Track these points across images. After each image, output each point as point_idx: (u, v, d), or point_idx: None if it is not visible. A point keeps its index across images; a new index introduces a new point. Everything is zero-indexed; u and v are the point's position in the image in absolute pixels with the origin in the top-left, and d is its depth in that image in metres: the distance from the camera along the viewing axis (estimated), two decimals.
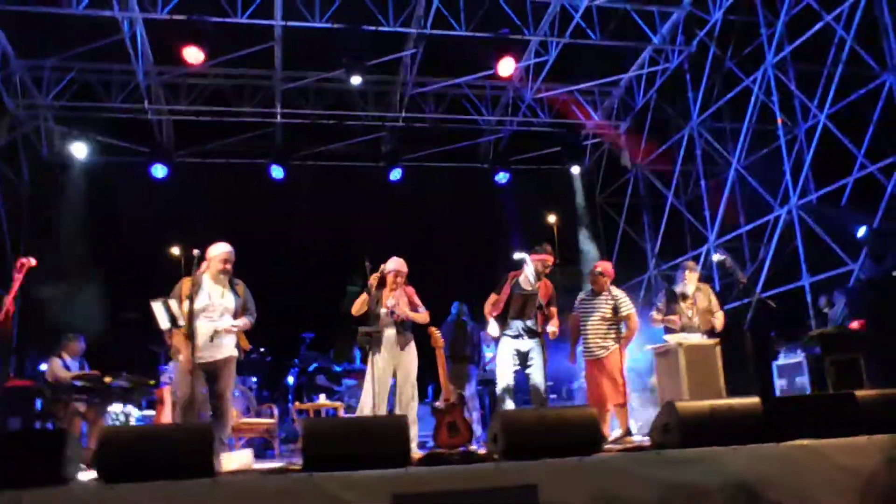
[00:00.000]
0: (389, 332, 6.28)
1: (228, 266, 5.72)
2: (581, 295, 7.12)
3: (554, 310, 6.56)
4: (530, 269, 6.40)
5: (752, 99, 10.29)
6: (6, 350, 7.83)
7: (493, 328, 6.57)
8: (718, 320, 6.99)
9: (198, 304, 5.50)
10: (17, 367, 9.44)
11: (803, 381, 8.34)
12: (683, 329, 6.85)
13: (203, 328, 5.52)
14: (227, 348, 5.68)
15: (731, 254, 9.91)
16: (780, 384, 8.74)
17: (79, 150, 11.32)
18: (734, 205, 11.04)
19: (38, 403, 6.91)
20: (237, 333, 5.75)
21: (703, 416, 4.70)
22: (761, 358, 7.94)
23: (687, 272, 7.13)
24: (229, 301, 5.71)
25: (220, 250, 5.73)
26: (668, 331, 7.00)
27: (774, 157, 10.11)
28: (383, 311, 6.29)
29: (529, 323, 6.49)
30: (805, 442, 4.47)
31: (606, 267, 7.05)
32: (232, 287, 5.77)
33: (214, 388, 5.59)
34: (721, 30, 10.60)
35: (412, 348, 6.38)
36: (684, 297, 7.04)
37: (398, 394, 6.23)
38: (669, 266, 12.28)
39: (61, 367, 7.58)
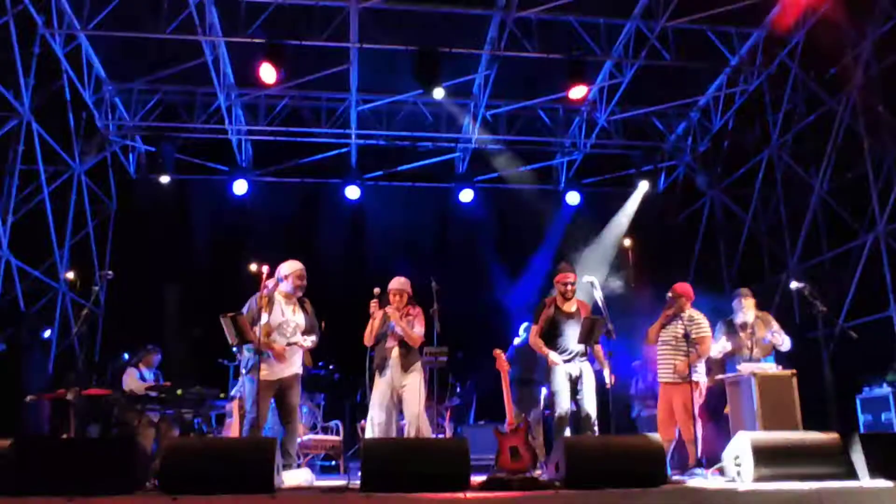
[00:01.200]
0: (394, 353, 6.25)
1: (303, 283, 5.82)
2: (661, 318, 6.92)
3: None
4: (599, 293, 6.29)
5: (837, 121, 9.92)
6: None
7: (553, 357, 6.43)
8: (785, 341, 6.68)
9: (273, 321, 5.61)
10: (98, 375, 9.79)
11: (890, 416, 7.94)
12: (746, 361, 6.56)
13: (278, 345, 5.62)
14: (297, 365, 5.79)
15: (812, 282, 9.54)
16: (864, 419, 8.34)
17: (164, 179, 11.74)
18: (816, 230, 10.62)
19: (114, 413, 7.12)
20: (304, 351, 5.85)
21: (778, 449, 4.52)
22: (842, 391, 7.58)
23: (743, 299, 6.82)
24: (300, 318, 5.82)
25: (294, 268, 5.85)
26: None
27: (860, 181, 9.69)
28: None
29: (580, 348, 6.36)
30: (892, 484, 4.24)
31: (684, 288, 6.84)
32: (301, 305, 5.88)
33: (285, 403, 5.69)
34: (804, 50, 10.27)
35: (418, 369, 6.27)
36: (744, 326, 6.75)
37: (406, 415, 6.14)
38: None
39: (137, 377, 7.86)
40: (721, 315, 7.12)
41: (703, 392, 6.62)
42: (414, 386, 6.13)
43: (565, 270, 6.63)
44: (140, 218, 12.20)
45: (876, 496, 4.19)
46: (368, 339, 6.26)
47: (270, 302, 5.66)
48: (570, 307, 6.54)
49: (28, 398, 6.91)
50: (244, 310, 5.64)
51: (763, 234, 11.87)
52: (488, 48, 10.35)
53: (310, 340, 5.85)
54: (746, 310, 6.76)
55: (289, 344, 5.71)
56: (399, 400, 6.15)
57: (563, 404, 6.28)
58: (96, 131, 11.54)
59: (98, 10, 9.57)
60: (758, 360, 6.52)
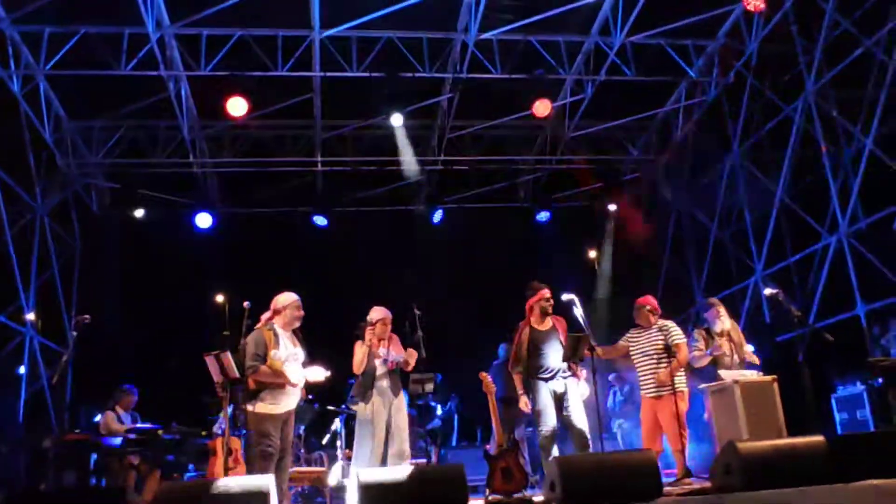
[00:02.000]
0: (383, 382, 6.25)
1: (301, 314, 5.79)
2: (629, 333, 7.00)
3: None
4: (579, 310, 6.34)
5: (794, 127, 10.18)
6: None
7: (522, 404, 6.46)
8: (751, 355, 6.82)
9: (283, 355, 5.57)
10: (70, 420, 9.58)
11: (865, 413, 8.11)
12: (726, 367, 6.66)
13: (296, 376, 5.60)
14: (297, 398, 5.74)
15: (780, 285, 9.73)
16: (840, 418, 8.50)
17: (130, 207, 11.57)
18: (780, 235, 10.85)
19: (93, 458, 6.97)
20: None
21: (767, 456, 4.58)
22: (820, 392, 7.72)
23: (719, 308, 6.90)
24: (300, 351, 5.80)
25: (293, 299, 5.81)
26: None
27: (820, 184, 9.94)
28: (378, 361, 6.27)
29: (563, 365, 6.37)
30: (876, 482, 4.31)
31: (650, 301, 6.94)
32: (298, 338, 5.84)
33: (285, 437, 5.61)
34: (758, 60, 10.53)
35: (403, 395, 6.35)
36: (722, 333, 6.81)
37: (396, 442, 6.13)
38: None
39: (115, 420, 7.70)
40: (693, 326, 7.24)
41: (687, 401, 6.70)
42: (404, 410, 6.18)
43: (539, 288, 6.66)
44: (105, 255, 12.01)
45: (859, 496, 4.27)
46: (359, 368, 6.22)
47: (275, 335, 5.61)
48: (547, 325, 6.56)
49: (1, 448, 6.73)
50: (250, 345, 5.54)
51: (729, 241, 12.09)
52: (451, 71, 10.44)
53: (321, 374, 5.81)
54: (724, 317, 6.84)
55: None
56: (389, 425, 6.11)
57: (549, 422, 6.23)
58: (57, 170, 11.36)
59: (56, 50, 9.47)
60: (739, 366, 6.61)
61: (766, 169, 11.09)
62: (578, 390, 6.36)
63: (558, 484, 4.31)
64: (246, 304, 5.67)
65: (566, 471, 4.33)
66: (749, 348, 6.88)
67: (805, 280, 10.49)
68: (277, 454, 5.43)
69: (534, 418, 6.44)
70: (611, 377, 10.55)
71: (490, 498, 5.83)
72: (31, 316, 10.73)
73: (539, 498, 5.28)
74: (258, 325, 5.68)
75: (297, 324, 5.78)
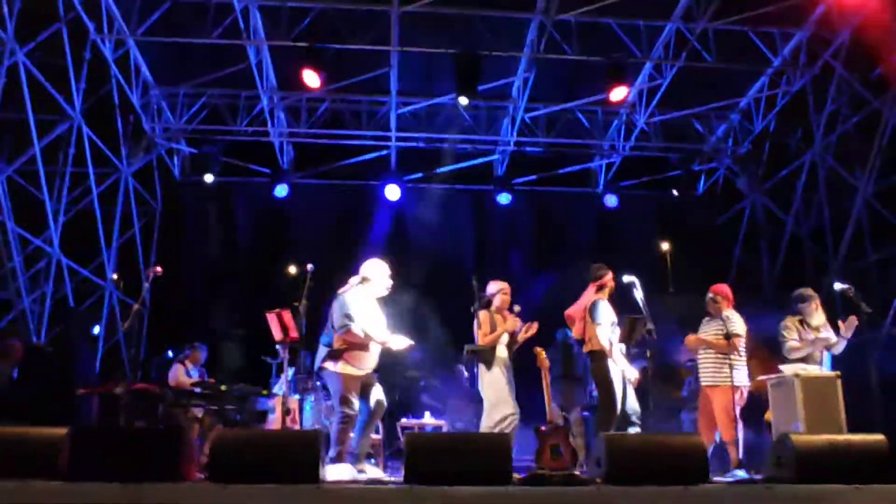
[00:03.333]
0: (506, 353, 6.46)
1: (391, 282, 6.04)
2: (703, 321, 6.90)
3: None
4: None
5: (883, 122, 9.76)
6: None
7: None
8: (838, 347, 6.59)
9: (379, 315, 5.83)
10: (144, 371, 10.05)
11: None
12: (816, 361, 6.46)
13: (383, 338, 5.81)
14: (376, 361, 5.93)
15: (857, 285, 9.38)
16: None
17: (208, 178, 11.95)
18: (861, 233, 10.46)
19: (161, 408, 7.30)
20: None
21: (821, 450, 4.49)
22: (888, 394, 7.45)
23: (815, 303, 6.66)
24: (384, 317, 6.04)
25: (383, 266, 6.04)
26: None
27: None
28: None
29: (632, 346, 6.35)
30: None
31: (722, 289, 6.80)
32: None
33: (375, 396, 5.85)
34: (848, 50, 10.13)
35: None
36: (818, 328, 6.59)
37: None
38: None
39: (184, 373, 8.05)
40: (763, 319, 7.07)
41: (745, 395, 6.58)
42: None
43: (610, 269, 6.63)
44: (184, 219, 12.47)
45: None
46: (490, 339, 6.40)
47: (363, 299, 5.82)
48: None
49: (79, 392, 7.11)
50: (342, 306, 5.73)
51: (805, 236, 11.71)
52: (528, 51, 10.39)
53: (407, 341, 5.97)
54: (819, 311, 6.64)
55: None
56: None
57: (618, 402, 6.25)
58: (143, 134, 11.82)
59: (146, 17, 9.82)
60: (820, 361, 6.43)
61: (849, 164, 10.68)
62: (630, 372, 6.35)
63: (604, 461, 4.33)
64: (309, 266, 5.85)
65: (612, 448, 4.34)
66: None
67: (885, 282, 10.10)
68: (357, 415, 5.61)
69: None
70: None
71: (536, 472, 5.85)
72: (113, 275, 11.25)
73: (586, 475, 5.29)
74: (342, 290, 5.84)
75: (386, 291, 5.94)
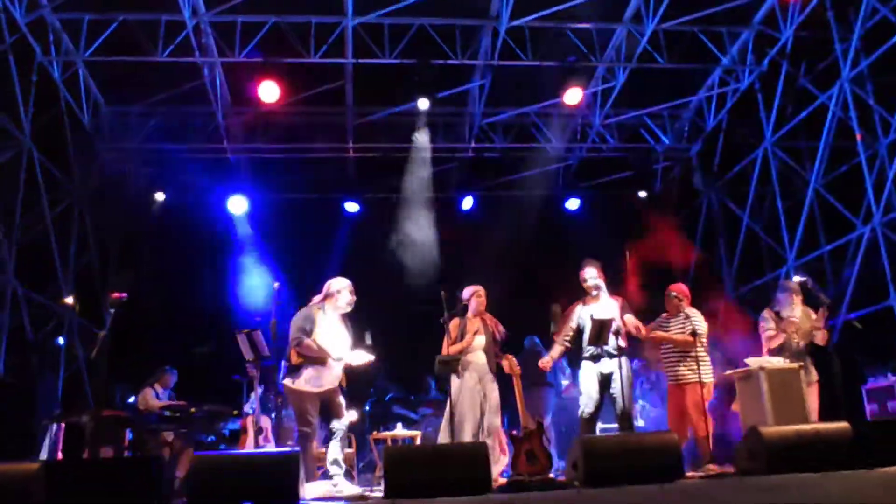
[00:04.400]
0: (482, 359, 6.49)
1: (353, 298, 6.01)
2: (657, 320, 7.01)
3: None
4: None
5: (829, 116, 10.04)
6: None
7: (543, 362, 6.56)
8: (820, 336, 6.71)
9: (330, 332, 5.80)
10: (107, 398, 9.83)
11: (895, 405, 8.02)
12: (794, 352, 6.59)
13: (336, 354, 5.77)
14: (338, 378, 5.90)
15: (813, 275, 9.62)
16: (870, 409, 8.42)
17: (159, 196, 11.79)
18: (814, 225, 10.73)
19: (129, 434, 7.18)
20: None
21: (790, 441, 4.59)
22: (849, 381, 7.65)
23: (794, 295, 6.80)
24: (347, 335, 6.04)
25: (346, 283, 6.03)
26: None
27: (854, 174, 9.80)
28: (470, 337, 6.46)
29: (609, 345, 6.36)
30: None
31: (681, 288, 6.93)
32: (345, 323, 6.07)
33: (335, 407, 5.82)
34: (793, 47, 10.40)
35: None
36: (791, 319, 6.72)
37: (489, 420, 6.32)
38: (749, 289, 12.00)
39: (153, 396, 7.93)
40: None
41: (712, 391, 6.71)
42: (496, 389, 6.42)
43: (585, 267, 6.66)
44: (141, 240, 12.26)
45: (883, 482, 4.26)
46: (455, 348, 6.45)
47: (324, 315, 5.78)
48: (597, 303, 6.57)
49: (43, 422, 6.96)
50: (298, 319, 5.76)
51: (761, 230, 11.97)
52: (482, 58, 10.47)
53: (365, 358, 5.96)
54: (796, 304, 6.77)
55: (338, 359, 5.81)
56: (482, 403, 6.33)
57: (590, 405, 6.27)
58: (95, 155, 11.60)
59: (95, 37, 9.67)
60: (802, 353, 6.57)
61: (799, 157, 10.96)
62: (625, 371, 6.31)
63: (580, 464, 4.37)
64: (276, 284, 5.82)
65: (588, 451, 4.39)
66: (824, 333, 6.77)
67: (838, 271, 10.37)
68: (315, 433, 5.58)
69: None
70: (636, 365, 10.54)
71: (515, 478, 5.90)
72: (69, 299, 11.00)
73: (562, 479, 5.34)
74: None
75: (349, 308, 5.95)
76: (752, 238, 12.16)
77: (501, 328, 6.72)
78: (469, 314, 6.57)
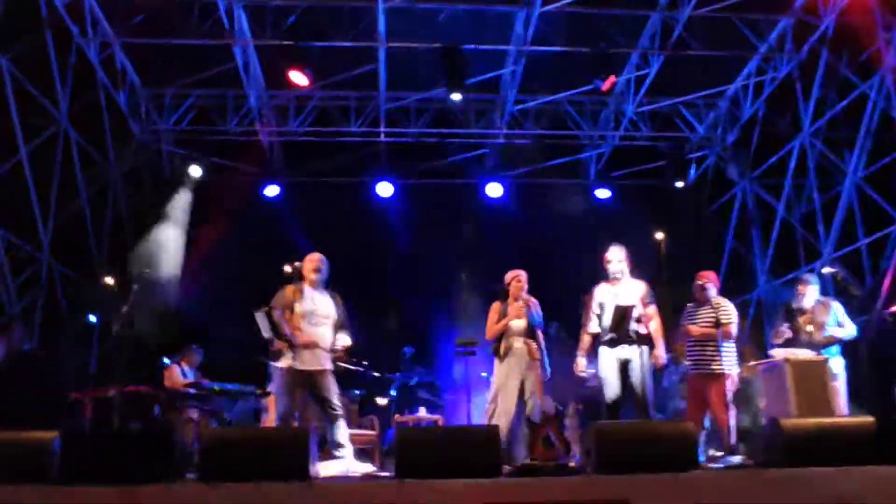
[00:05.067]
0: (521, 342, 6.48)
1: (318, 271, 5.95)
2: (687, 307, 6.93)
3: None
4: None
5: (870, 106, 9.78)
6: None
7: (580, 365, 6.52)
8: (843, 331, 6.65)
9: (301, 309, 5.73)
10: (137, 373, 10.01)
11: None
12: (805, 346, 6.53)
13: (306, 333, 5.73)
14: (326, 359, 5.84)
15: (850, 269, 9.42)
16: None
17: (195, 171, 11.93)
18: (851, 217, 10.48)
19: (156, 409, 7.30)
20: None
21: (810, 434, 4.51)
22: (881, 376, 7.49)
23: (800, 286, 6.86)
24: (330, 308, 5.93)
25: (309, 258, 6.01)
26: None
27: None
28: (512, 322, 6.51)
29: (629, 330, 6.28)
30: None
31: (710, 275, 6.84)
32: (332, 298, 6.00)
33: (319, 395, 5.77)
34: (834, 35, 10.14)
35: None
36: (801, 311, 6.72)
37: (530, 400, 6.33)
38: (782, 282, 11.78)
39: (179, 374, 8.06)
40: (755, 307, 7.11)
41: (737, 381, 6.61)
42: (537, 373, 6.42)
43: (609, 249, 6.62)
44: (175, 220, 12.41)
45: None
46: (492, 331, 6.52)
47: (299, 292, 5.81)
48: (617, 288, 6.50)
49: (71, 396, 7.10)
50: (275, 299, 5.77)
51: (797, 222, 11.73)
52: (514, 44, 10.38)
53: (341, 342, 5.90)
54: (805, 296, 6.76)
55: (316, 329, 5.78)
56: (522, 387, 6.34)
57: (611, 391, 6.22)
58: (132, 136, 11.78)
59: (130, 18, 9.79)
60: (818, 346, 6.48)
61: (838, 149, 10.70)
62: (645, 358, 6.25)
63: (594, 450, 4.34)
64: (286, 268, 5.88)
65: (602, 438, 4.35)
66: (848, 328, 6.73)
67: (877, 265, 10.12)
68: (289, 413, 5.59)
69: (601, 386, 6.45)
70: (666, 357, 10.41)
71: (527, 463, 5.88)
72: (108, 279, 11.20)
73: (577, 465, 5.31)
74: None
75: (314, 277, 5.92)
76: (787, 231, 11.92)
77: (539, 312, 6.71)
78: (510, 298, 6.59)
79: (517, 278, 6.69)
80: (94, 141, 10.91)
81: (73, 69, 9.88)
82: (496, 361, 6.44)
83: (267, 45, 10.18)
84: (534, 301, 6.65)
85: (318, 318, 5.83)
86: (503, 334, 6.47)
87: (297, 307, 5.77)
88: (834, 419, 4.73)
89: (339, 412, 5.79)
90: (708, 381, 6.46)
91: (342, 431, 5.73)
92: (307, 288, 5.92)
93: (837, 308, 6.80)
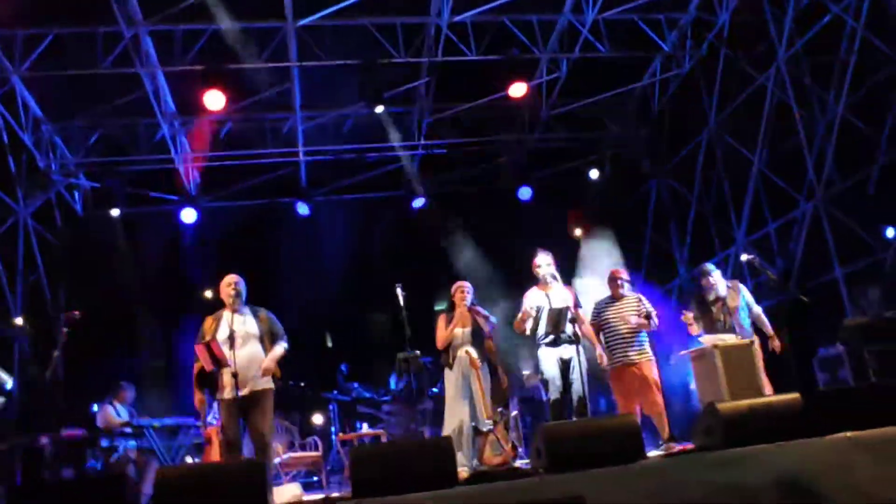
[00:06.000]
0: (466, 352, 6.59)
1: (232, 291, 5.83)
2: (597, 302, 7.17)
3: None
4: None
5: (768, 96, 10.29)
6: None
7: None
8: (763, 322, 6.95)
9: (220, 336, 5.62)
10: (65, 417, 9.64)
11: (845, 373, 8.27)
12: (717, 333, 6.79)
13: (230, 359, 5.58)
14: (257, 381, 5.69)
15: (762, 252, 9.87)
16: (822, 378, 8.66)
17: (111, 207, 11.59)
18: (759, 204, 11.00)
19: (89, 453, 7.07)
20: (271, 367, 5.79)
21: (744, 414, 4.71)
22: (800, 353, 7.88)
23: (708, 278, 7.00)
24: (252, 327, 5.80)
25: (224, 281, 5.90)
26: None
27: (796, 152, 10.06)
28: (457, 330, 6.65)
29: (566, 331, 6.48)
30: (849, 434, 4.45)
31: (623, 272, 7.13)
32: (254, 315, 5.88)
33: (249, 427, 5.64)
34: (730, 31, 10.63)
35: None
36: (715, 301, 6.95)
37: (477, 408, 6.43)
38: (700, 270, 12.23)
39: (112, 413, 7.82)
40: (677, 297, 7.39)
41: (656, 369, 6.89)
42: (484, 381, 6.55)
43: (535, 255, 6.80)
44: (91, 254, 12.01)
45: (834, 447, 4.41)
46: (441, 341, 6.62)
47: (217, 320, 5.72)
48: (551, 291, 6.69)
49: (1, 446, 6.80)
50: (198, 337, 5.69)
51: (709, 212, 12.22)
52: (427, 55, 10.49)
53: (272, 356, 5.76)
54: (717, 284, 6.96)
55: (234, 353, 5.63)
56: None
57: (555, 390, 6.40)
58: (38, 172, 11.35)
59: (30, 51, 9.45)
60: (734, 331, 6.72)
61: (743, 139, 11.21)
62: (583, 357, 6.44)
63: (543, 450, 4.43)
64: (207, 293, 5.80)
65: (550, 437, 4.45)
66: (757, 310, 7.00)
67: (785, 247, 10.64)
68: (235, 444, 5.50)
69: (542, 386, 6.61)
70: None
71: (479, 469, 5.96)
72: (19, 320, 10.75)
73: (527, 467, 5.41)
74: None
75: (230, 300, 5.81)
76: (701, 220, 12.41)
77: (489, 321, 6.79)
78: (456, 308, 6.67)
79: (461, 289, 6.80)
80: (0, 179, 10.46)
81: None
82: (446, 371, 6.52)
83: (177, 71, 9.97)
84: (479, 310, 6.74)
85: (239, 339, 5.66)
86: (450, 345, 6.54)
87: (218, 334, 5.65)
88: (764, 399, 4.97)
89: (268, 448, 5.67)
90: (645, 368, 6.67)
91: (271, 462, 5.68)
92: (226, 312, 5.81)
93: (744, 290, 7.11)
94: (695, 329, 6.93)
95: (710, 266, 7.22)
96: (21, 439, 6.91)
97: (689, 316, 6.90)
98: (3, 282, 10.46)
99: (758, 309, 7.04)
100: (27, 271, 11.16)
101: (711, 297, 6.95)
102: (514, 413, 8.31)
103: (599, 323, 7.05)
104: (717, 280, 7.01)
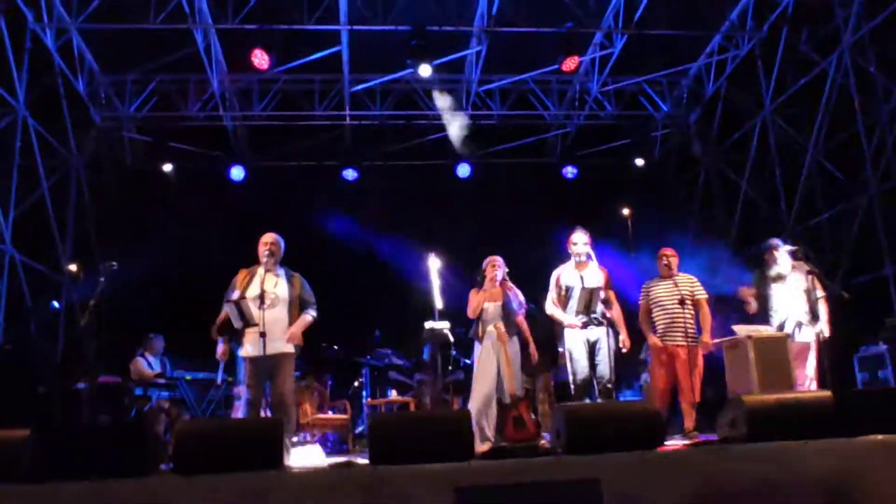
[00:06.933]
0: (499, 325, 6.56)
1: (266, 250, 5.80)
2: (645, 286, 7.03)
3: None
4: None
5: (828, 83, 9.94)
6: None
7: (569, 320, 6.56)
8: (822, 308, 6.65)
9: (250, 293, 5.64)
10: (106, 364, 9.91)
11: (886, 374, 8.06)
12: (786, 315, 6.61)
13: (257, 317, 5.57)
14: (282, 343, 5.68)
15: (811, 243, 9.61)
16: (861, 377, 8.46)
17: (167, 168, 11.78)
18: (812, 192, 10.68)
19: (125, 401, 7.27)
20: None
21: (771, 409, 4.62)
22: (837, 350, 7.68)
23: (775, 252, 6.78)
24: (282, 290, 5.77)
25: (262, 239, 5.88)
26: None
27: (854, 141, 9.73)
28: (489, 304, 6.61)
29: (596, 312, 6.41)
30: (880, 437, 4.34)
31: (671, 252, 6.96)
32: (288, 279, 5.87)
33: (273, 389, 5.67)
34: (793, 12, 10.26)
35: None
36: (778, 277, 6.74)
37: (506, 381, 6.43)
38: (745, 257, 11.98)
39: (144, 366, 8.00)
40: (717, 279, 7.24)
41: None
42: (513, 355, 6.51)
43: (574, 232, 6.70)
44: (140, 207, 12.25)
45: (864, 450, 4.30)
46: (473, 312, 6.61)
47: (250, 275, 5.73)
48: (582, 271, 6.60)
49: (40, 390, 7.04)
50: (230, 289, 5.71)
51: (759, 197, 11.93)
52: (478, 24, 10.36)
53: (297, 326, 5.75)
54: (781, 262, 6.76)
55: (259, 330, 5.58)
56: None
57: (581, 371, 6.34)
58: (91, 123, 11.57)
59: (88, 3, 9.59)
60: (802, 312, 6.54)
61: (798, 125, 10.88)
62: (611, 340, 6.36)
63: (563, 431, 4.41)
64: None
65: (570, 418, 4.42)
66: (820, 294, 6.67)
67: (835, 239, 10.34)
68: (256, 402, 5.53)
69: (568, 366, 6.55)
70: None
71: (498, 445, 5.97)
72: (72, 267, 11.03)
73: (548, 445, 5.40)
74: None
75: (264, 259, 5.79)
76: (750, 206, 12.12)
77: (520, 296, 6.75)
78: (487, 282, 6.65)
79: (492, 263, 6.74)
80: (54, 129, 10.69)
81: (30, 55, 9.66)
82: (476, 344, 6.54)
83: (228, 29, 10.02)
84: (510, 286, 6.69)
85: (269, 300, 5.64)
86: (480, 319, 6.52)
87: (247, 291, 5.66)
88: (794, 394, 4.86)
89: (290, 412, 5.69)
90: (696, 352, 6.55)
91: (291, 424, 5.74)
92: (260, 269, 5.79)
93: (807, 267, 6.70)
94: (752, 307, 6.75)
95: (777, 241, 7.00)
96: (60, 383, 7.14)
97: (746, 291, 6.73)
98: (54, 230, 10.73)
99: (821, 293, 6.71)
100: (77, 220, 11.44)
101: (773, 273, 6.76)
102: (542, 390, 8.27)
103: (648, 302, 6.94)
104: (782, 256, 6.80)
